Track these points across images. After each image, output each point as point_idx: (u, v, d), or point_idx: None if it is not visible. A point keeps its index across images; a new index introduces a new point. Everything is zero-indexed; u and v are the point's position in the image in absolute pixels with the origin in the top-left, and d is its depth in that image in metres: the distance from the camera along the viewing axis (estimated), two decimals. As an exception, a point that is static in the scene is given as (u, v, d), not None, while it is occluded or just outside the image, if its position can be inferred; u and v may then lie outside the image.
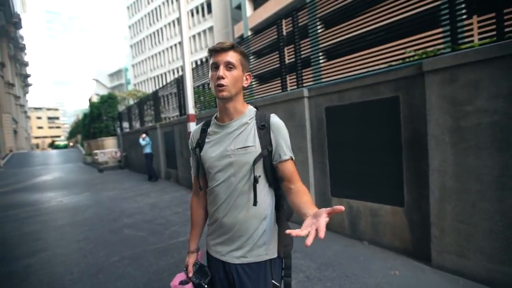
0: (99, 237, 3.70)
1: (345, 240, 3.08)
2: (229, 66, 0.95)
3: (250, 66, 4.53)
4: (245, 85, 1.02)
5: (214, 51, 0.96)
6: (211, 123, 1.10)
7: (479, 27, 2.26)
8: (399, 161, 2.66)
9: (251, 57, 4.79)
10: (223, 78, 0.94)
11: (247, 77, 1.03)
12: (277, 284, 1.04)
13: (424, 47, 2.60)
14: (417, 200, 2.57)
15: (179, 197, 5.83)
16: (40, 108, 74.47)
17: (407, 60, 2.78)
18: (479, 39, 2.29)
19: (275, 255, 1.03)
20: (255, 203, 0.97)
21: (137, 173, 10.39)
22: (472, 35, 2.30)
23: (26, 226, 4.39)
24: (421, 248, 2.54)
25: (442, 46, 2.50)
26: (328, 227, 3.28)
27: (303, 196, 0.92)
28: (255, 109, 1.07)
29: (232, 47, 0.96)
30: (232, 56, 0.96)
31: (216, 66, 0.96)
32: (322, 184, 3.43)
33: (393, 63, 2.83)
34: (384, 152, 2.79)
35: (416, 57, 2.70)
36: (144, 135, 8.02)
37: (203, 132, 1.09)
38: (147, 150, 8.06)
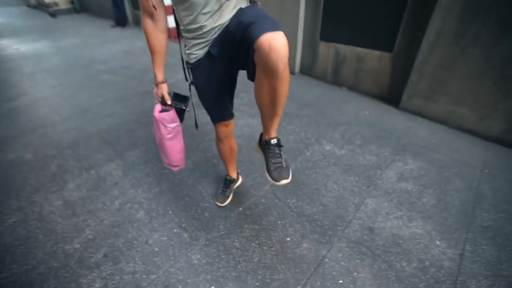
0: (75, 83, 3.55)
1: (325, 86, 3.19)
2: None
3: None
4: None
5: None
6: None
7: None
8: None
9: None
10: None
11: None
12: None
13: None
14: (409, 44, 2.46)
15: (154, 46, 5.30)
16: None
17: None
18: None
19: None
20: None
21: (98, 18, 8.86)
22: None
23: (-10, 74, 4.04)
24: (394, 94, 2.71)
25: None
26: (311, 73, 3.28)
27: None
28: None
29: None
30: None
31: None
32: (311, 26, 3.11)
33: None
34: (391, -16, 2.36)
35: None
36: None
37: None
38: None
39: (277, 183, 1.04)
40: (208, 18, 0.94)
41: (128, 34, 6.23)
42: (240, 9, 0.96)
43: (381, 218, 1.54)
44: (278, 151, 1.07)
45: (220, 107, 1.23)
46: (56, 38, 6.29)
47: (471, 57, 2.08)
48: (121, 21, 6.94)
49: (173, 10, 1.03)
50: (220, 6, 0.93)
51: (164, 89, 1.16)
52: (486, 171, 1.88)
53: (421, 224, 1.50)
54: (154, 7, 0.98)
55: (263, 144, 1.10)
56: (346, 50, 2.92)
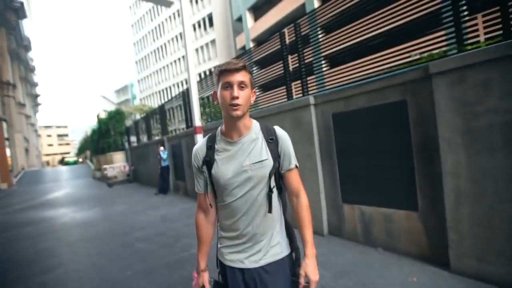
0: (111, 251, 3.71)
1: (358, 247, 3.01)
2: (242, 85, 0.99)
3: (255, 77, 4.58)
4: (252, 102, 1.07)
5: (227, 71, 0.98)
6: (217, 139, 1.10)
7: (485, 27, 2.25)
8: (411, 165, 2.62)
9: (255, 68, 4.86)
10: (237, 98, 0.97)
11: (253, 94, 1.08)
12: (296, 280, 1.09)
13: (428, 50, 2.60)
14: (432, 204, 2.51)
15: (189, 209, 5.83)
16: (49, 126, 76.24)
17: (413, 63, 2.78)
18: (486, 39, 2.27)
19: (289, 251, 1.12)
20: (270, 211, 1.06)
21: (146, 186, 10.46)
22: (478, 35, 2.29)
23: (40, 243, 4.44)
24: (438, 254, 2.46)
25: (447, 48, 2.49)
26: (341, 234, 3.20)
27: (304, 221, 1.10)
28: (258, 123, 1.12)
29: (244, 67, 1.00)
30: (244, 76, 0.99)
31: (228, 85, 0.99)
32: (332, 191, 3.39)
33: (399, 66, 2.83)
34: (394, 156, 2.75)
35: (423, 60, 2.70)
36: (162, 148, 8.15)
37: (210, 149, 1.10)
38: (166, 163, 8.14)
39: None
40: (245, 225, 1.05)
41: (167, 201, 7.08)
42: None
43: None
44: None
45: None
46: (106, 206, 7.25)
47: (505, 213, 2.02)
48: (163, 189, 8.19)
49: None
50: (259, 217, 1.04)
51: (206, 278, 1.15)
52: None
53: None
54: (211, 205, 1.12)
55: None
56: (371, 210, 3.00)
